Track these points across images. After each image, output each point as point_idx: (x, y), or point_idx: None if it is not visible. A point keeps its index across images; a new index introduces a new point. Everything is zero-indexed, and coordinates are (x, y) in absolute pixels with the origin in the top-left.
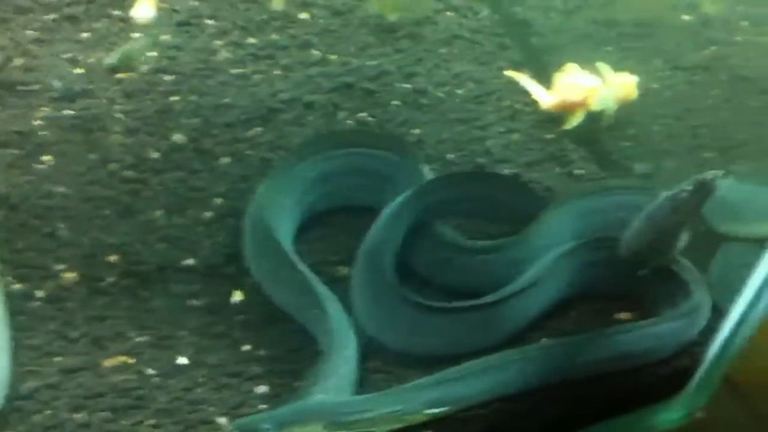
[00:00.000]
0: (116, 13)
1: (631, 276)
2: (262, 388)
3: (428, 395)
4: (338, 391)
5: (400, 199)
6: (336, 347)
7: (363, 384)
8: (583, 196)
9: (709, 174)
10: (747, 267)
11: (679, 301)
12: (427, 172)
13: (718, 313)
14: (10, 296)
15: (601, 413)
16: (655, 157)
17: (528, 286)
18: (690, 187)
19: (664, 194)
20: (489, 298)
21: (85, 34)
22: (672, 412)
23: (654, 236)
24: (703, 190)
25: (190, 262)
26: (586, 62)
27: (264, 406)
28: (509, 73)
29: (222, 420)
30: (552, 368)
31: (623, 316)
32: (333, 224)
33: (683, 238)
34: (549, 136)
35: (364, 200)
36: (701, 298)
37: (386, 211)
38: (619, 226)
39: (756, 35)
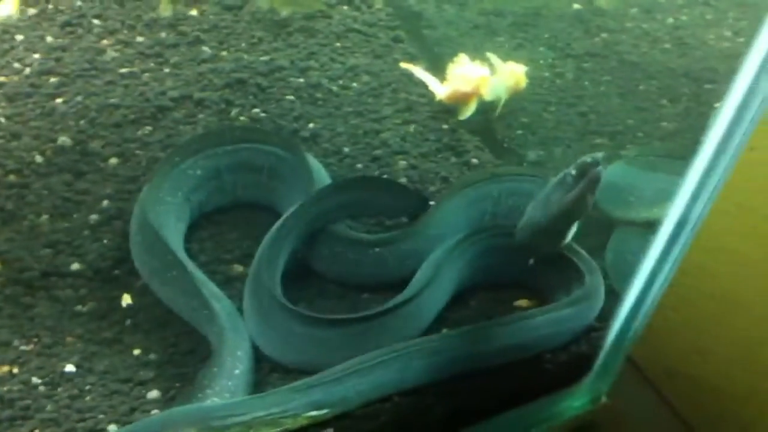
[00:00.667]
0: None
1: (526, 263)
2: (154, 393)
3: (309, 397)
4: (232, 392)
5: (290, 210)
6: (227, 348)
7: (260, 384)
8: (473, 185)
9: (589, 156)
10: (639, 250)
11: (574, 287)
12: (316, 166)
13: (615, 298)
14: None
15: (503, 404)
16: (546, 144)
17: (419, 291)
18: (574, 171)
19: (553, 180)
20: (381, 308)
21: None
22: (575, 399)
23: (546, 221)
24: (588, 172)
25: (76, 266)
26: (478, 53)
27: (156, 411)
28: (404, 65)
29: (112, 427)
30: (443, 361)
31: (522, 303)
32: (224, 222)
33: (574, 223)
34: (444, 127)
35: (254, 197)
36: (595, 284)
37: (275, 225)
38: (510, 213)
39: (644, 22)
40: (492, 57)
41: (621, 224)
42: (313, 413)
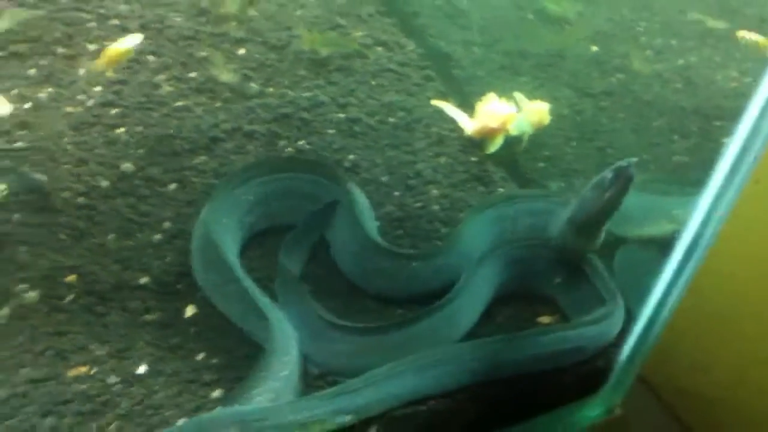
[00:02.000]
0: (60, 50)
1: (552, 274)
2: (216, 393)
3: (334, 405)
4: (279, 393)
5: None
6: (276, 354)
7: (307, 390)
8: (493, 206)
9: (625, 161)
10: (643, 265)
11: (596, 307)
12: (357, 194)
13: (629, 315)
14: None
15: (525, 411)
16: (567, 176)
17: (455, 298)
18: (611, 173)
19: (592, 182)
20: (419, 313)
21: (31, 71)
22: (591, 410)
23: (586, 218)
24: (623, 173)
25: (144, 280)
26: (504, 91)
27: (218, 409)
28: (435, 102)
29: (180, 422)
30: (471, 369)
31: (544, 320)
32: (271, 243)
33: (609, 220)
34: (473, 159)
35: (299, 220)
36: (617, 304)
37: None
38: (529, 230)
39: (656, 62)
40: (518, 95)
41: (626, 242)
42: (340, 419)
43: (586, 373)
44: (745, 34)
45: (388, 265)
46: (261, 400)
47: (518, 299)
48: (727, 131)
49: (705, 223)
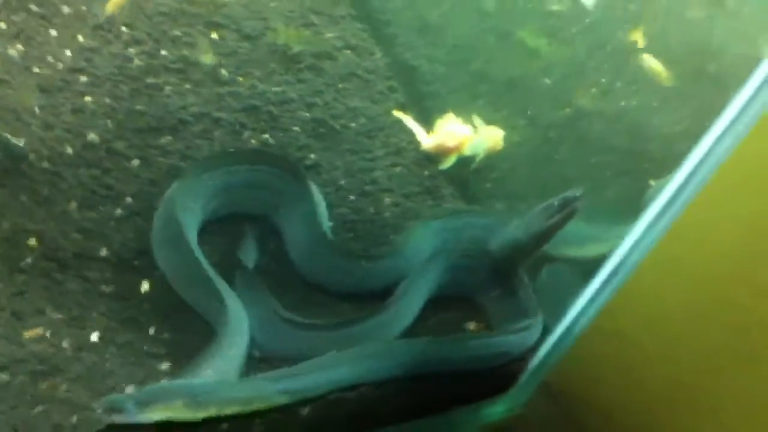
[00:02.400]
0: (34, 8)
1: (484, 282)
2: (165, 366)
3: (278, 385)
4: (224, 372)
5: None
6: (228, 336)
7: (247, 372)
8: (439, 218)
9: (573, 192)
10: (565, 282)
11: (520, 318)
12: (316, 193)
13: (545, 328)
14: None
15: (441, 405)
16: (510, 198)
17: (397, 300)
18: (559, 201)
19: (540, 206)
20: (365, 314)
21: (1, 24)
22: (497, 407)
23: (527, 239)
24: (570, 203)
25: (103, 252)
26: (461, 111)
27: (166, 380)
28: (397, 113)
29: (129, 389)
30: (401, 364)
31: (471, 325)
32: (227, 231)
33: (545, 244)
34: (426, 173)
35: (258, 210)
36: (537, 318)
37: None
38: (470, 243)
39: (601, 101)
40: (476, 119)
41: (551, 260)
42: (279, 398)
43: (499, 375)
44: (649, 60)
45: (339, 263)
46: (209, 375)
47: (450, 306)
48: (655, 173)
49: (630, 254)
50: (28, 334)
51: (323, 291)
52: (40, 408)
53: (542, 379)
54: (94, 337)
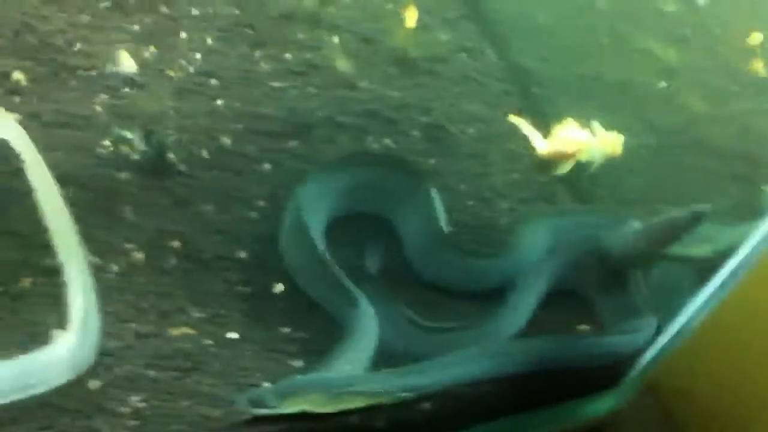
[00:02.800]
0: (164, 9)
1: (605, 277)
2: (298, 363)
3: (404, 381)
4: (355, 368)
5: None
6: (359, 335)
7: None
8: (553, 217)
9: (703, 206)
10: (677, 281)
11: (633, 319)
12: (435, 195)
13: (657, 328)
14: None
15: (551, 400)
16: (627, 204)
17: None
18: (687, 215)
19: (666, 217)
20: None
21: (136, 26)
22: (601, 404)
23: (647, 244)
24: (697, 217)
25: (240, 255)
26: (575, 114)
27: (299, 375)
28: (512, 118)
29: (266, 384)
30: (518, 362)
31: (583, 327)
32: (351, 231)
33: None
34: (542, 179)
35: (378, 211)
36: (650, 318)
37: None
38: (581, 241)
39: (716, 105)
40: (595, 124)
41: (667, 257)
42: (404, 394)
43: (609, 373)
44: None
45: (456, 262)
46: (342, 370)
47: (564, 306)
48: None
49: (747, 258)
50: (174, 332)
51: (439, 290)
52: (186, 402)
53: (648, 377)
54: (233, 334)
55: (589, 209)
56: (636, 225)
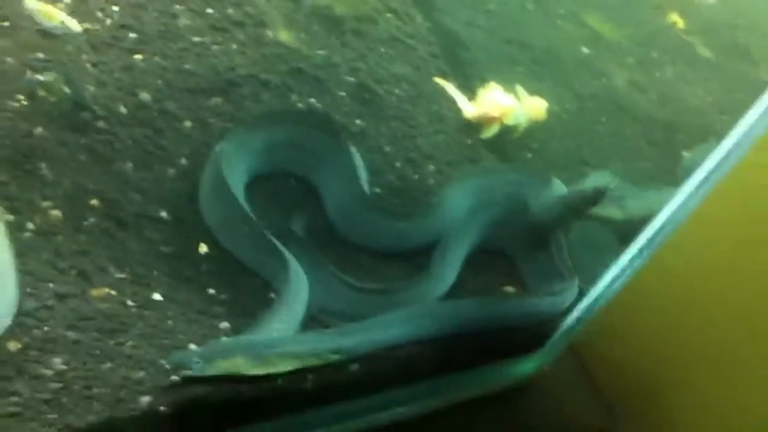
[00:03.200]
0: None
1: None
2: (224, 324)
3: (333, 343)
4: (287, 330)
5: None
6: (291, 293)
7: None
8: (474, 177)
9: (606, 180)
10: (594, 242)
11: (556, 281)
12: (354, 152)
13: (580, 291)
14: None
15: (477, 360)
16: (549, 168)
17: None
18: (591, 190)
19: (577, 189)
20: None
21: None
22: (528, 364)
23: (562, 212)
24: (600, 192)
25: (162, 213)
26: (500, 79)
27: (224, 338)
28: (439, 80)
29: (192, 346)
30: (446, 324)
31: (509, 289)
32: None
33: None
34: (468, 142)
35: (299, 170)
36: (574, 281)
37: None
38: (503, 199)
39: (637, 72)
40: (519, 89)
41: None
42: (332, 356)
43: (533, 335)
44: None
45: (378, 223)
46: (274, 330)
47: (488, 269)
48: (688, 144)
49: (667, 223)
50: (95, 293)
51: (362, 250)
52: (108, 364)
53: (570, 339)
54: (156, 296)
55: (512, 167)
56: (556, 188)
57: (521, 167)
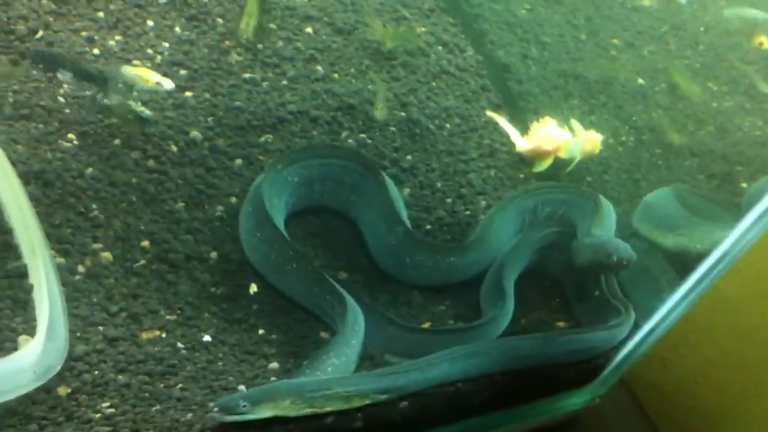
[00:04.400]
0: None
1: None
2: (273, 365)
3: (377, 384)
4: (342, 368)
5: None
6: (348, 332)
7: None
8: (514, 199)
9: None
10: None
11: (611, 316)
12: (393, 188)
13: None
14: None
15: (530, 396)
16: None
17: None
18: (615, 259)
19: (609, 243)
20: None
21: (100, 14)
22: (580, 397)
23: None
24: (621, 264)
25: (212, 254)
26: (554, 111)
27: (275, 379)
28: (490, 113)
29: (242, 387)
30: (497, 362)
31: (561, 324)
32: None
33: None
34: (520, 176)
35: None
36: (629, 316)
37: None
38: (546, 219)
39: (694, 105)
40: (574, 122)
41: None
42: (380, 396)
43: (585, 369)
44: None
45: (422, 260)
46: (330, 371)
47: (540, 305)
48: (747, 176)
49: (727, 253)
50: (144, 335)
51: (405, 284)
52: (158, 406)
53: (623, 372)
54: (206, 337)
55: (553, 185)
56: (605, 210)
57: (566, 186)
